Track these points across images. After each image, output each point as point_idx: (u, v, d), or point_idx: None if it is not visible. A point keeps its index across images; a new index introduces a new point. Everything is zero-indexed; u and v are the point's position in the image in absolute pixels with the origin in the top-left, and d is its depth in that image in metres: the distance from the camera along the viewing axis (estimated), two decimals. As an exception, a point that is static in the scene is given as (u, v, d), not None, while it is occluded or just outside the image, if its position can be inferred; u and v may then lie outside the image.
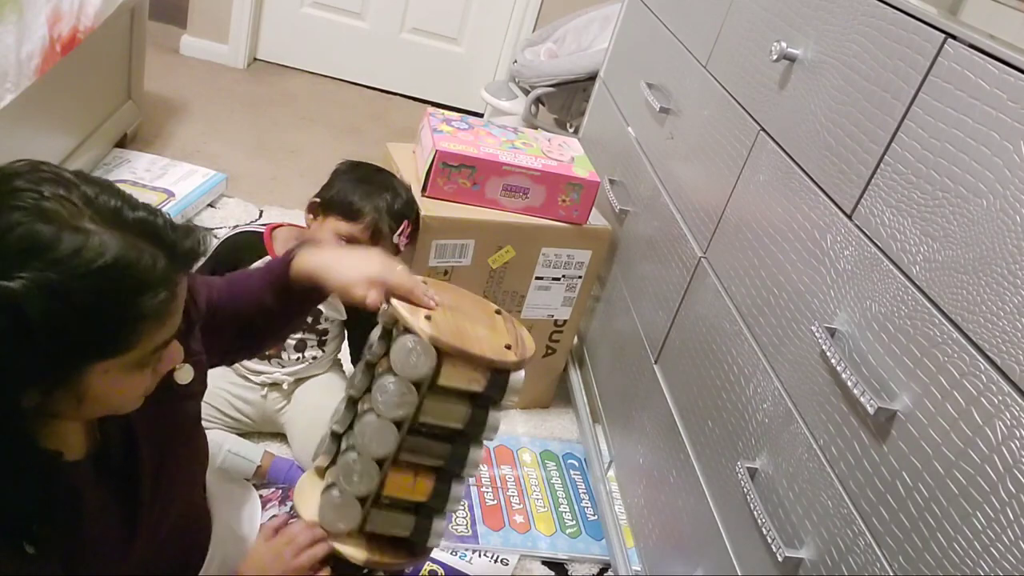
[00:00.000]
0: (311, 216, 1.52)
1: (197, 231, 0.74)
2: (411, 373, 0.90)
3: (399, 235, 1.47)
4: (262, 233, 1.55)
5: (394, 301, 0.93)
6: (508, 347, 0.95)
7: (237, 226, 2.20)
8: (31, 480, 0.70)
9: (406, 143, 1.77)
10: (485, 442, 0.98)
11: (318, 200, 1.50)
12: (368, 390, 0.95)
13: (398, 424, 0.92)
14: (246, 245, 1.54)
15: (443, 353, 0.90)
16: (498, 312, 1.03)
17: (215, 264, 1.46)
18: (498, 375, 0.93)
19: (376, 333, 0.98)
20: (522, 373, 0.94)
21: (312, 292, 0.98)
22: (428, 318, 0.92)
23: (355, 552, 0.96)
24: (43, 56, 1.67)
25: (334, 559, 0.96)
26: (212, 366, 0.99)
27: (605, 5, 2.71)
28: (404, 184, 1.54)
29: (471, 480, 1.38)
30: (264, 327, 1.03)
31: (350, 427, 0.97)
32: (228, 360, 1.12)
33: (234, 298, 1.01)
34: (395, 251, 1.51)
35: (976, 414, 0.72)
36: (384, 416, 0.91)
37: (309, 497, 0.98)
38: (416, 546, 0.99)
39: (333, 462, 0.98)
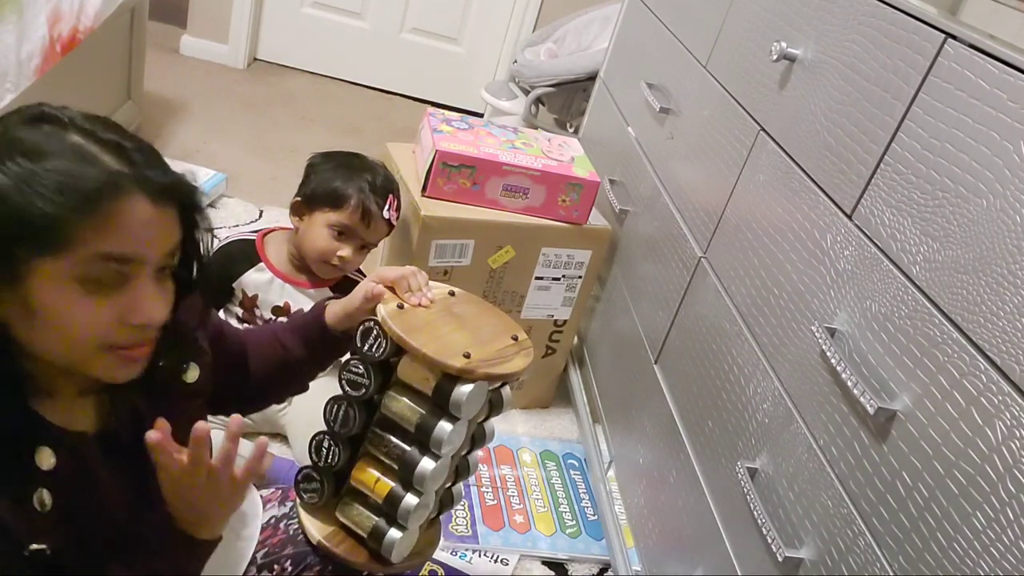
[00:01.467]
0: (296, 217, 1.52)
1: (177, 173, 0.75)
2: (367, 355, 0.92)
3: (388, 210, 1.48)
4: (254, 240, 1.55)
5: (387, 293, 0.95)
6: (467, 355, 0.89)
7: (234, 226, 2.20)
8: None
9: (406, 143, 1.77)
10: (444, 455, 0.93)
11: (300, 198, 1.51)
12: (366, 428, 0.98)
13: (362, 406, 0.94)
14: (239, 253, 1.54)
15: (402, 347, 0.91)
16: (515, 339, 0.98)
17: (209, 275, 1.45)
18: (444, 380, 0.89)
19: (358, 366, 0.99)
20: (467, 388, 0.88)
21: (346, 339, 1.01)
22: (400, 307, 0.94)
23: (313, 528, 0.97)
24: (43, 56, 1.67)
25: (333, 563, 0.96)
26: (223, 412, 1.01)
27: (605, 5, 2.71)
28: (378, 162, 1.56)
29: (471, 479, 1.38)
30: (294, 373, 1.06)
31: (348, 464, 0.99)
32: (247, 407, 1.12)
33: (256, 347, 1.04)
34: (388, 228, 1.53)
35: (976, 414, 0.72)
36: (346, 394, 0.94)
37: (343, 540, 0.98)
38: (374, 553, 0.97)
39: (337, 500, 1.00)
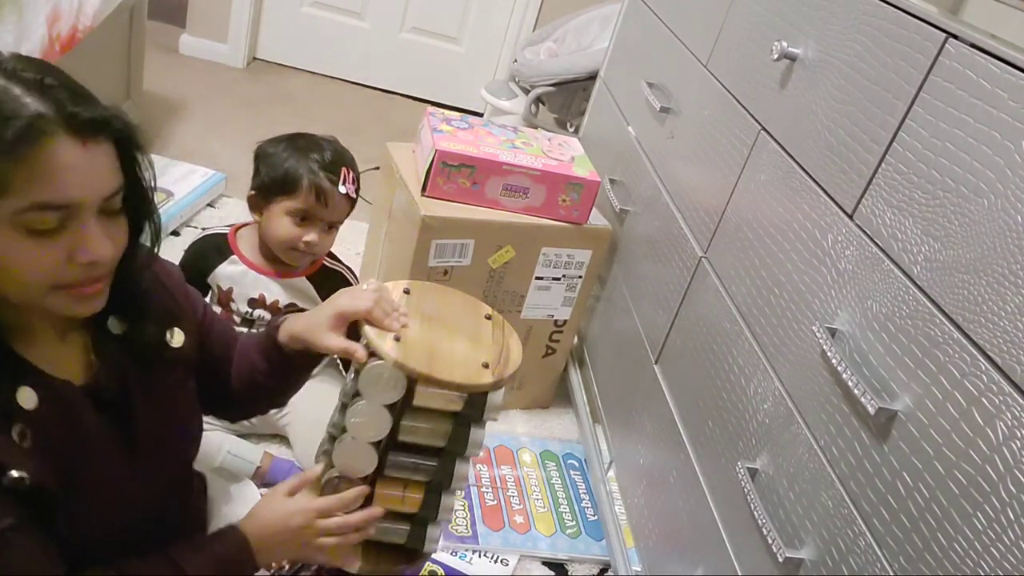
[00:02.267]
0: (256, 213, 1.50)
1: (107, 108, 0.73)
2: (380, 399, 0.88)
3: (343, 184, 1.45)
4: (226, 233, 1.55)
5: (365, 326, 0.90)
6: (486, 365, 0.90)
7: (206, 229, 2.21)
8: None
9: (406, 143, 1.77)
10: (476, 453, 0.95)
11: (254, 192, 1.49)
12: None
13: (376, 444, 0.91)
14: (210, 247, 1.54)
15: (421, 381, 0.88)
16: (488, 317, 0.99)
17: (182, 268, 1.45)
18: (476, 396, 0.89)
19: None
20: (501, 392, 0.90)
21: (303, 355, 0.98)
22: (397, 339, 0.89)
23: (352, 561, 0.95)
24: (42, 55, 1.67)
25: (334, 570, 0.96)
26: (212, 412, 1.02)
27: (605, 4, 2.71)
28: (327, 137, 1.53)
29: (470, 481, 1.37)
30: (261, 388, 1.03)
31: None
32: (232, 413, 1.13)
33: (239, 353, 1.04)
34: (350, 203, 1.50)
35: (977, 414, 0.72)
36: (359, 439, 0.89)
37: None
38: (413, 552, 0.98)
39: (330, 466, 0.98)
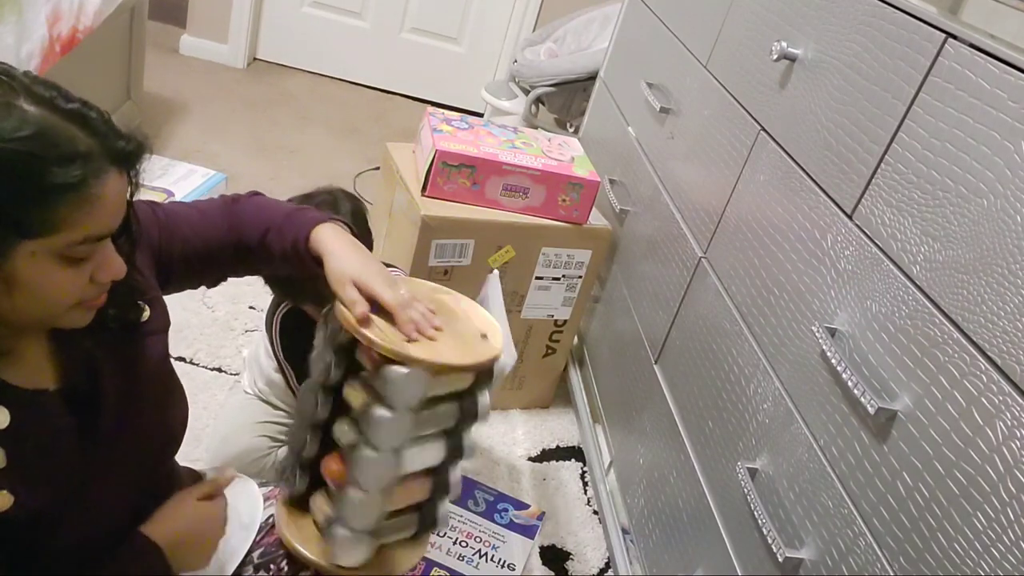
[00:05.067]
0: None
1: (137, 135, 0.74)
2: (409, 402, 0.85)
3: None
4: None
5: (364, 331, 0.85)
6: (484, 336, 0.91)
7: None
8: None
9: (406, 143, 1.77)
10: (383, 448, 0.88)
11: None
12: (335, 416, 0.91)
13: (327, 391, 0.89)
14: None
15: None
16: (484, 336, 0.95)
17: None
18: (385, 365, 0.85)
19: (323, 351, 0.91)
20: (401, 371, 0.84)
21: (317, 269, 0.94)
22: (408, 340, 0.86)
23: (283, 525, 0.94)
24: (42, 56, 1.67)
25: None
26: (215, 282, 1.00)
27: (605, 5, 2.71)
28: (331, 191, 1.39)
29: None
30: (245, 260, 1.00)
31: (318, 454, 0.93)
32: (185, 284, 1.06)
33: (247, 219, 0.99)
34: None
35: (976, 414, 0.72)
36: (384, 449, 0.86)
37: (302, 533, 0.93)
38: (419, 533, 0.97)
39: (307, 492, 0.95)
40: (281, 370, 1.42)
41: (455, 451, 0.95)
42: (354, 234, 1.07)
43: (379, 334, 0.85)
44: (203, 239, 0.97)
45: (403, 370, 0.83)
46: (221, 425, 1.50)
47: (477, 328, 0.93)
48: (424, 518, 0.98)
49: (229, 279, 1.06)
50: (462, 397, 0.92)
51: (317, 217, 0.97)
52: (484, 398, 0.92)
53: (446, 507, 0.98)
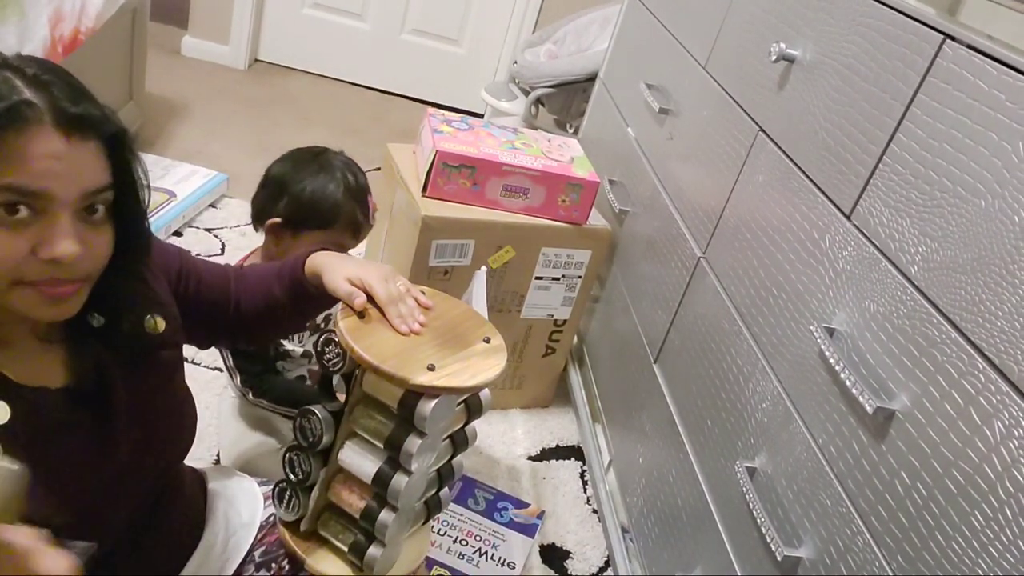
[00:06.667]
0: (273, 238, 1.35)
1: (106, 111, 0.73)
2: (441, 428, 0.88)
3: (372, 215, 1.40)
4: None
5: (384, 367, 0.85)
6: (431, 368, 0.86)
7: (235, 226, 2.20)
8: None
9: (406, 144, 1.77)
10: (416, 471, 0.90)
11: (280, 220, 1.33)
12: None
13: (330, 418, 0.91)
14: None
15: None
16: (487, 340, 0.95)
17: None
18: (409, 396, 0.86)
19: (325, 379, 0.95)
20: (431, 404, 0.85)
21: (320, 292, 0.98)
22: (361, 315, 0.89)
23: (297, 547, 0.94)
24: (44, 57, 1.68)
25: None
26: (226, 343, 1.02)
27: (605, 6, 2.72)
28: (340, 155, 1.40)
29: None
30: (278, 315, 1.04)
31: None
32: (239, 339, 1.13)
33: (249, 284, 1.04)
34: (367, 230, 1.42)
35: (974, 413, 0.73)
36: (417, 472, 0.89)
37: (328, 558, 0.94)
38: (357, 568, 0.95)
39: (318, 515, 0.95)
40: (230, 373, 1.41)
41: (459, 445, 0.98)
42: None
43: (394, 365, 0.85)
44: (216, 288, 1.02)
45: (432, 402, 0.85)
46: (228, 430, 1.50)
47: (480, 334, 0.94)
48: (430, 505, 1.01)
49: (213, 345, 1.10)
50: (395, 422, 0.92)
51: (307, 251, 1.02)
52: (412, 441, 0.90)
53: (446, 491, 1.02)
